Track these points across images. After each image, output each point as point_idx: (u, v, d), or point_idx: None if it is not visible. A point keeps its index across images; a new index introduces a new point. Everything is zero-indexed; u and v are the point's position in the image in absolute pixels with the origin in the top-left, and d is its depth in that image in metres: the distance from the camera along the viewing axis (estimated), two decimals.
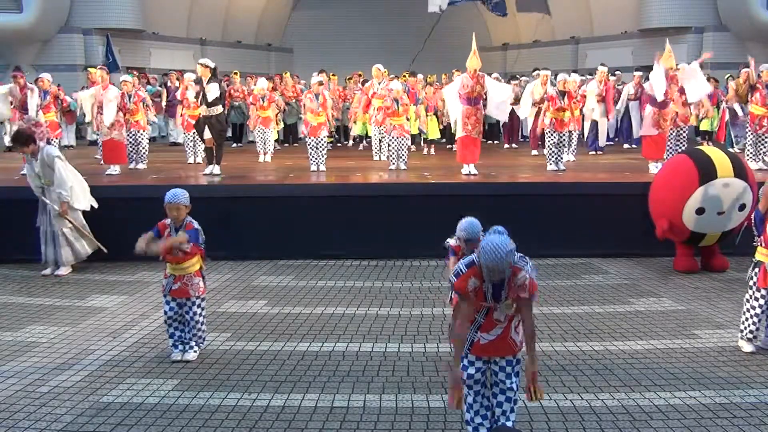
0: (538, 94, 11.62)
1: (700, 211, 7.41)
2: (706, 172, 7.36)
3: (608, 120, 13.98)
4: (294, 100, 15.06)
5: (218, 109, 9.68)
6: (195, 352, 5.31)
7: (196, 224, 5.14)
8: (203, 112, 9.65)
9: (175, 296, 5.21)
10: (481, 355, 3.61)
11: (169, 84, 16.20)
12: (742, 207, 7.36)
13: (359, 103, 13.59)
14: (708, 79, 14.69)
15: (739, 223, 7.34)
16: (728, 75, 14.37)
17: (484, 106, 10.11)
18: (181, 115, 12.39)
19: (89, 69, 11.84)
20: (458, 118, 9.98)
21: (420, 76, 14.57)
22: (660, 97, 9.92)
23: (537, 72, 11.94)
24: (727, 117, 12.75)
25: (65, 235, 7.79)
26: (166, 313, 5.23)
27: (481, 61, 9.64)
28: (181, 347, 5.28)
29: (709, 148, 8.12)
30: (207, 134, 9.72)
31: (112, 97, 10.50)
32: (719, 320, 6.18)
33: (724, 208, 7.36)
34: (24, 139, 7.57)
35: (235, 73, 15.65)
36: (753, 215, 5.48)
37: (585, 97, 13.06)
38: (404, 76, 14.31)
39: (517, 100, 14.84)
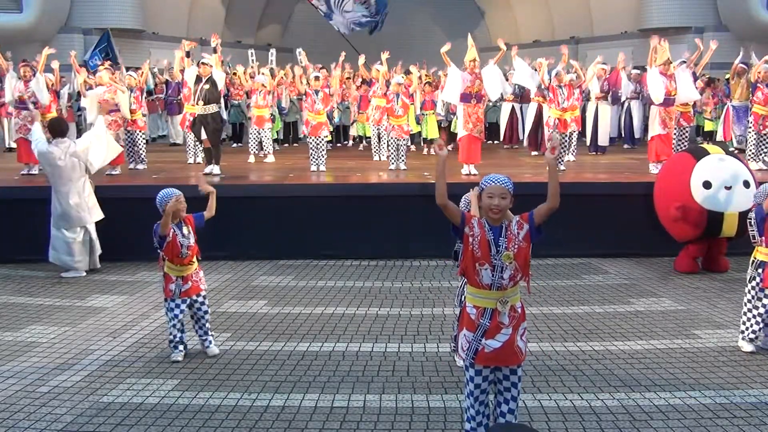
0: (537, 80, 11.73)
1: (706, 185, 7.48)
2: (699, 152, 7.97)
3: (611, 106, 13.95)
4: (296, 97, 15.00)
5: (213, 107, 9.70)
6: (214, 345, 5.42)
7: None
8: (199, 110, 9.68)
9: (187, 296, 5.24)
10: (488, 365, 3.57)
11: (169, 80, 16.14)
12: (746, 184, 7.38)
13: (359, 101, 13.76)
14: (708, 80, 14.73)
15: (751, 204, 7.38)
16: (727, 76, 14.33)
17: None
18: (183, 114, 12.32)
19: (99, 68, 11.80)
20: (459, 116, 9.99)
21: (417, 72, 14.53)
22: (660, 100, 9.89)
23: (540, 60, 12.12)
24: (732, 115, 12.63)
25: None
26: (177, 317, 5.23)
27: (478, 56, 9.67)
28: (181, 347, 5.30)
29: (706, 145, 8.51)
30: (203, 134, 9.74)
31: (120, 96, 10.46)
32: (719, 320, 6.18)
33: (729, 182, 7.42)
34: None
35: (235, 73, 15.62)
36: (753, 215, 5.46)
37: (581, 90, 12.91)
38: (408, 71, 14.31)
39: (516, 97, 14.91)
